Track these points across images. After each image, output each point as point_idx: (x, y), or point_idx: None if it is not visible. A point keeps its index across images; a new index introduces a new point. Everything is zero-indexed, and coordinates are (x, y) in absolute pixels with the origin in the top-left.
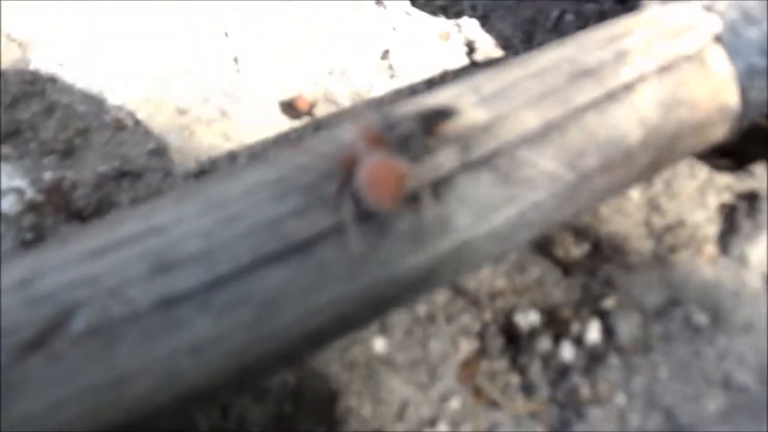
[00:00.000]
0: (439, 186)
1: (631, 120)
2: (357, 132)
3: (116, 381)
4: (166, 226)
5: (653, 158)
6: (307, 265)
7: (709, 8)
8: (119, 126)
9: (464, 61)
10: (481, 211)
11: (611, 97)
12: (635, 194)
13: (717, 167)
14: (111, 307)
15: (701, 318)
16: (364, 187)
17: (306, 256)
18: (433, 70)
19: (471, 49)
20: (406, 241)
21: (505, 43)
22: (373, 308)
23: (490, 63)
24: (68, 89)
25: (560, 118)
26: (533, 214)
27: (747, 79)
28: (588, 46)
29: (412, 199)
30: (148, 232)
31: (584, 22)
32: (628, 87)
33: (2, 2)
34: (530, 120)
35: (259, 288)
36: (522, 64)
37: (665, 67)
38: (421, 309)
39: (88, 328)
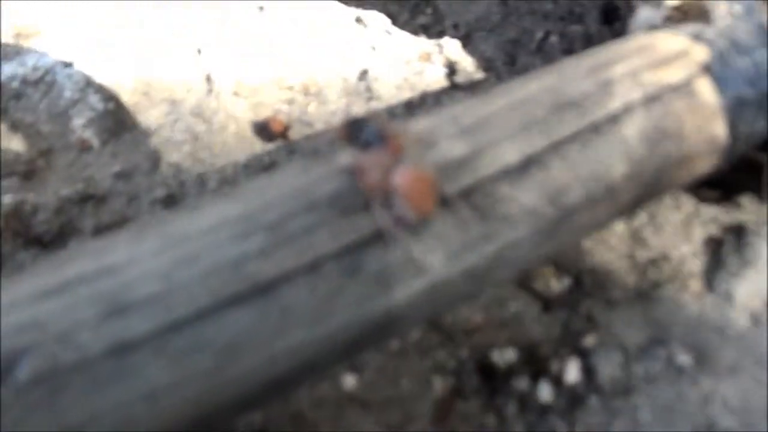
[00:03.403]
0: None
1: (615, 154)
2: (383, 140)
3: None
4: (120, 266)
5: (637, 193)
6: (271, 307)
7: (697, 36)
8: (84, 147)
9: (445, 83)
10: (456, 250)
11: (595, 129)
12: (618, 226)
13: (703, 199)
14: (59, 353)
15: (685, 358)
16: (404, 195)
17: (269, 298)
18: (412, 92)
19: (452, 70)
20: (375, 282)
21: (487, 64)
22: (340, 353)
23: (472, 85)
24: (32, 107)
25: (542, 151)
26: (511, 253)
27: (736, 110)
28: (571, 75)
29: (444, 204)
30: (101, 272)
31: (569, 44)
32: (612, 119)
33: None
34: (510, 153)
35: (219, 333)
36: (503, 93)
37: (652, 97)
38: (394, 344)
39: (34, 376)
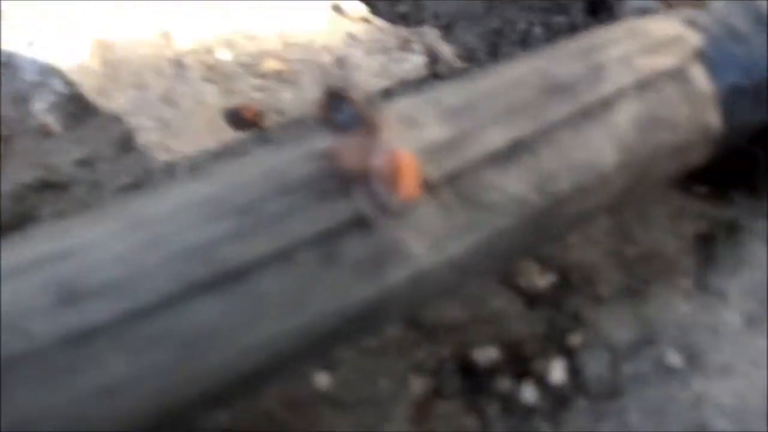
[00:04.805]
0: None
1: (607, 140)
2: (361, 121)
3: (13, 428)
4: (78, 249)
5: (629, 183)
6: (242, 296)
7: (691, 22)
8: (45, 132)
9: (425, 72)
10: (440, 238)
11: (586, 114)
12: (605, 220)
13: (693, 194)
14: (7, 343)
15: (675, 358)
16: (385, 179)
17: (240, 286)
18: (390, 81)
19: (433, 59)
20: (355, 270)
21: (468, 54)
22: (317, 346)
23: (453, 75)
24: None
25: (530, 136)
26: (498, 243)
27: (731, 99)
28: (561, 58)
29: (428, 189)
30: (56, 255)
31: (553, 35)
32: (604, 104)
33: None
34: (497, 138)
35: (184, 323)
36: (488, 76)
37: (645, 83)
38: (370, 342)
39: None
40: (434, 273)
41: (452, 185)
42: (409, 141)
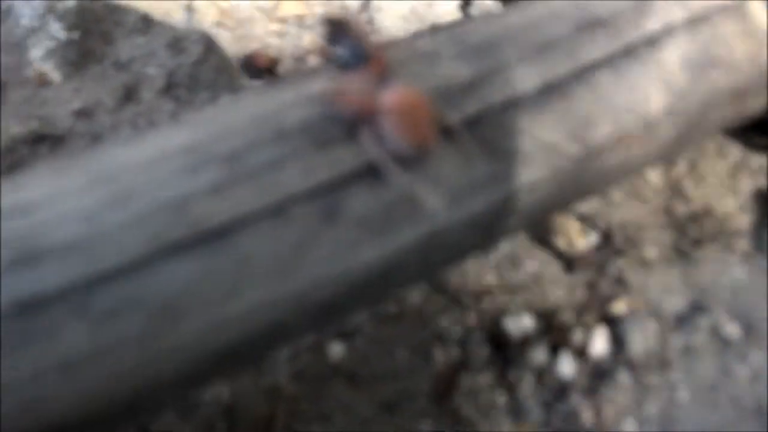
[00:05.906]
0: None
1: (653, 82)
2: (364, 58)
3: None
4: (37, 204)
5: (679, 131)
6: (224, 259)
7: None
8: (42, 81)
9: (457, 15)
10: (459, 192)
11: (630, 53)
12: (654, 176)
13: (752, 146)
14: None
15: (731, 328)
16: (396, 122)
17: (222, 247)
18: (420, 25)
19: (466, 1)
20: (360, 227)
21: None
22: (313, 317)
23: None
24: None
25: (565, 76)
26: (526, 198)
27: None
28: None
29: (445, 135)
30: (13, 210)
31: None
32: (650, 41)
33: None
34: (526, 78)
35: (156, 289)
36: (519, 10)
37: (697, 18)
38: (390, 309)
39: None
40: (453, 231)
41: (474, 131)
42: (424, 80)
